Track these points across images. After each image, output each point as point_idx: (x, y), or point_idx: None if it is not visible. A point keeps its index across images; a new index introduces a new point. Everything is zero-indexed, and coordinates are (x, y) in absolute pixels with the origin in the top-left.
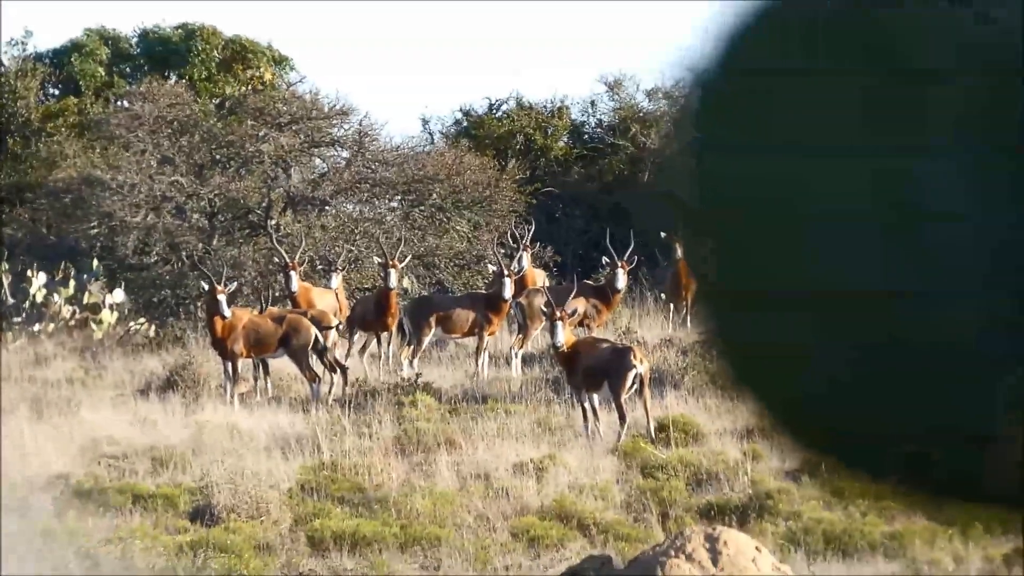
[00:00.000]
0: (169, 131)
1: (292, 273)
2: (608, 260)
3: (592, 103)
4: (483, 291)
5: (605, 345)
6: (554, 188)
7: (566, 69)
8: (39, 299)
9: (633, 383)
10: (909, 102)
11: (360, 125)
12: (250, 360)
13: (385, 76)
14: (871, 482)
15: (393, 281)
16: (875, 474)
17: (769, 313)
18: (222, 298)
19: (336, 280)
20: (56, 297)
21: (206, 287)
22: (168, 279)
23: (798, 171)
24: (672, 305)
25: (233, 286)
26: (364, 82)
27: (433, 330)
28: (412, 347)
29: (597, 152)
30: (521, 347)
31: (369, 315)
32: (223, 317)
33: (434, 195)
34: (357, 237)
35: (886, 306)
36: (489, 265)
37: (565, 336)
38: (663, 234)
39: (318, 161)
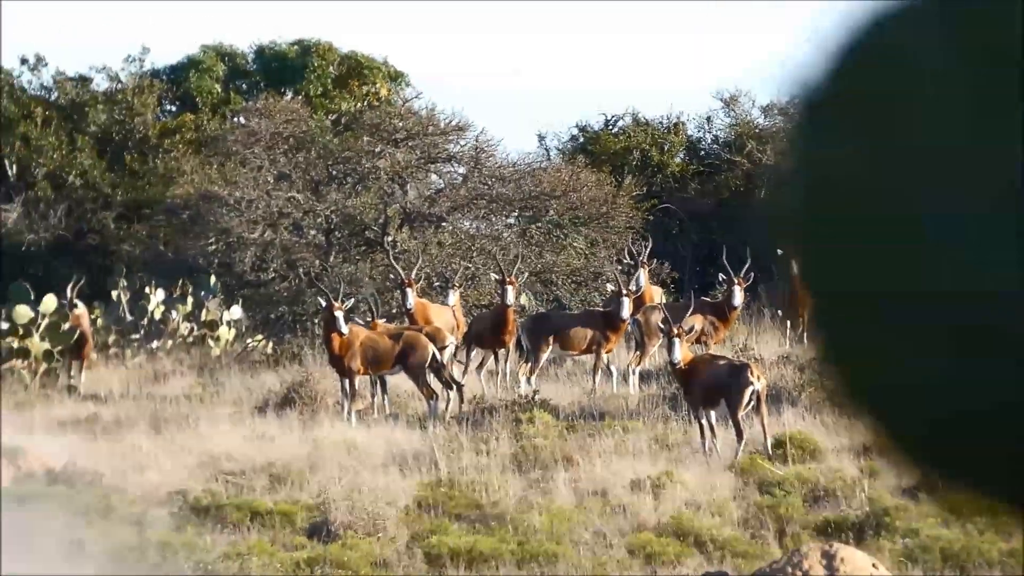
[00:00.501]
0: (285, 147)
1: (408, 290)
2: (725, 277)
3: (708, 119)
4: (600, 308)
5: (722, 362)
6: (671, 204)
7: (680, 81)
8: (157, 316)
9: (750, 400)
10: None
11: (476, 141)
12: (367, 377)
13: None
14: (985, 497)
15: (510, 298)
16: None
17: (866, 326)
18: (339, 315)
19: (453, 297)
20: (174, 314)
21: (323, 304)
22: (285, 296)
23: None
24: (789, 322)
25: (350, 303)
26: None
27: (551, 347)
28: (529, 364)
29: (713, 168)
30: (639, 364)
31: (486, 332)
32: (340, 334)
33: (551, 211)
34: (474, 254)
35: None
36: (607, 283)
37: (683, 353)
38: (779, 250)
39: (434, 177)
